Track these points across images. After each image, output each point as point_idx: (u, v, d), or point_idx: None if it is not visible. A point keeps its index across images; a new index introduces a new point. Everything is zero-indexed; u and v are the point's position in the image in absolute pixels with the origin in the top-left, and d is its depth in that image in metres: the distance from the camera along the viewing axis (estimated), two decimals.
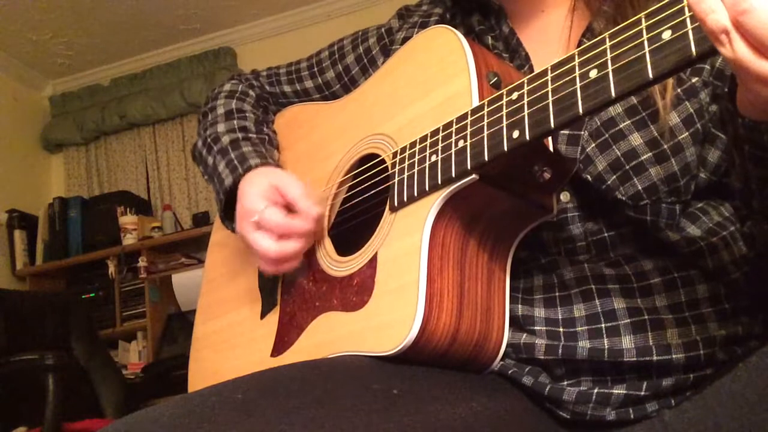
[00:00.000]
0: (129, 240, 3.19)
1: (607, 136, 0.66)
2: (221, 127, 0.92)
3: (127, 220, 3.22)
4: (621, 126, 0.66)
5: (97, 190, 3.62)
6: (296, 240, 0.77)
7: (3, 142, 3.41)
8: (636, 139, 0.65)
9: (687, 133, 0.65)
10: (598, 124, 0.67)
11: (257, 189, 0.80)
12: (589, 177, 0.67)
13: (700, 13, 0.42)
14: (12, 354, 1.98)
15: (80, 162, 3.70)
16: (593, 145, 0.67)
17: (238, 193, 0.82)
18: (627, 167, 0.65)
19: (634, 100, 0.66)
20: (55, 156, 3.77)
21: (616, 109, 0.67)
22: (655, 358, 0.63)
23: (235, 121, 0.93)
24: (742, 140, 0.55)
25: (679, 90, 0.65)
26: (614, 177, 0.65)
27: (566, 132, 0.69)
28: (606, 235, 0.68)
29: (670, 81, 0.64)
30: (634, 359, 0.64)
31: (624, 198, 0.65)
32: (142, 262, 3.11)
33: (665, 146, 0.65)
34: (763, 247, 0.68)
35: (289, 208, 0.78)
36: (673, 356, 0.63)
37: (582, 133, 0.68)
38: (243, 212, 0.80)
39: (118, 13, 3.24)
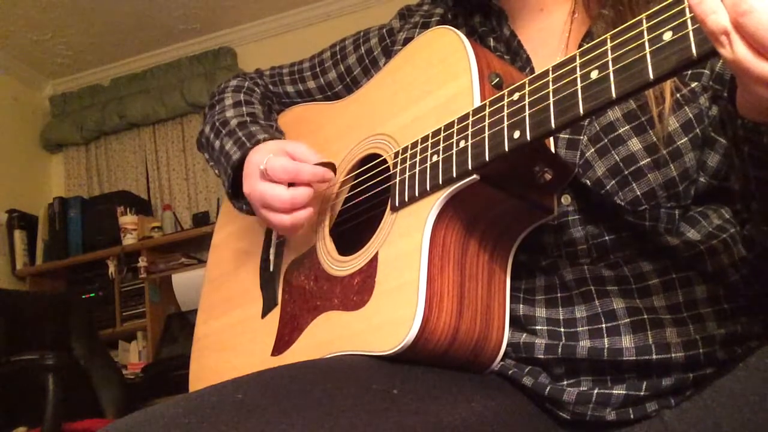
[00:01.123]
0: (129, 240, 3.19)
1: (606, 141, 0.66)
2: (229, 113, 0.92)
3: (127, 220, 3.22)
4: (620, 131, 0.66)
5: (97, 190, 3.62)
6: (306, 187, 0.75)
7: (3, 142, 3.41)
8: (635, 145, 0.65)
9: (686, 139, 0.65)
10: (597, 128, 0.67)
11: (265, 148, 0.80)
12: (588, 182, 0.67)
13: (700, 14, 0.42)
14: (12, 354, 1.98)
15: (80, 162, 3.70)
16: (592, 149, 0.67)
17: (245, 162, 0.81)
18: (625, 172, 0.65)
19: (633, 104, 0.66)
20: (55, 156, 3.77)
21: (615, 114, 0.67)
22: (654, 356, 0.63)
23: (243, 108, 0.93)
24: (741, 142, 0.55)
25: (678, 95, 0.65)
26: (613, 182, 0.65)
27: (565, 136, 0.69)
28: (607, 238, 0.68)
29: (668, 88, 0.64)
30: (634, 358, 0.64)
31: (623, 203, 0.65)
32: (142, 262, 3.11)
33: (664, 152, 0.65)
34: (762, 248, 0.68)
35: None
36: (673, 355, 0.63)
37: (581, 137, 0.68)
38: (249, 169, 0.79)
39: (118, 13, 3.24)
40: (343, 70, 0.94)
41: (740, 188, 0.64)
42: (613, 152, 0.66)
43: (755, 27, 0.40)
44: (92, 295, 3.20)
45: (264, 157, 0.77)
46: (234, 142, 0.86)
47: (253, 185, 0.78)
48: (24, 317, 2.26)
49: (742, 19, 0.40)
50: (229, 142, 0.87)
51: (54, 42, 3.41)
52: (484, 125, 0.61)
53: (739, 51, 0.41)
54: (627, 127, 0.66)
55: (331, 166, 0.78)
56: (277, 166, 0.75)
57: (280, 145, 0.80)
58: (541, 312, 0.70)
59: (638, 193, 0.65)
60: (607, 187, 0.66)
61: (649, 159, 0.65)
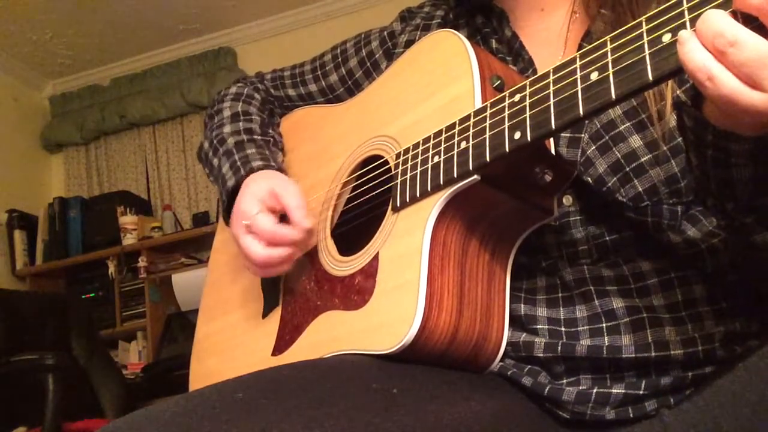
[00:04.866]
0: (129, 240, 3.18)
1: (607, 138, 0.67)
2: (227, 129, 0.93)
3: (127, 220, 3.22)
4: (621, 128, 0.66)
5: (97, 190, 3.62)
6: (284, 248, 0.77)
7: (3, 142, 3.41)
8: (636, 141, 0.65)
9: None
10: (598, 126, 0.67)
11: (255, 190, 0.81)
12: (589, 179, 0.67)
13: (682, 56, 0.43)
14: (12, 354, 1.98)
15: (80, 162, 3.70)
16: (593, 147, 0.67)
17: (238, 195, 0.83)
18: (627, 169, 0.65)
19: (634, 102, 0.66)
20: (55, 156, 3.77)
21: (615, 112, 0.67)
22: (653, 354, 0.64)
23: (240, 123, 0.93)
24: (706, 145, 0.55)
25: (678, 92, 0.65)
26: (615, 179, 0.66)
27: (567, 135, 0.69)
28: (608, 238, 0.69)
29: (668, 86, 0.64)
30: (633, 355, 0.64)
31: (625, 200, 0.65)
32: (142, 262, 3.11)
33: (665, 148, 0.65)
34: (763, 248, 0.69)
35: (283, 217, 0.79)
36: (672, 353, 0.64)
37: (582, 135, 0.68)
38: (237, 214, 0.81)
39: (118, 13, 3.24)
40: (345, 73, 0.94)
41: (696, 185, 0.64)
42: (614, 149, 0.66)
43: (745, 58, 0.40)
44: (92, 295, 3.20)
45: (253, 207, 0.78)
46: (230, 165, 0.87)
47: (236, 232, 0.80)
48: (24, 317, 2.26)
49: (731, 49, 0.41)
50: (225, 164, 0.88)
51: (54, 42, 3.41)
52: (485, 126, 0.62)
53: (728, 84, 0.42)
54: (628, 124, 0.66)
55: (311, 232, 0.79)
56: (260, 226, 0.77)
57: (272, 185, 0.80)
58: (542, 312, 0.70)
59: (640, 189, 0.65)
60: (609, 184, 0.66)
61: (650, 155, 0.65)
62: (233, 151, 0.88)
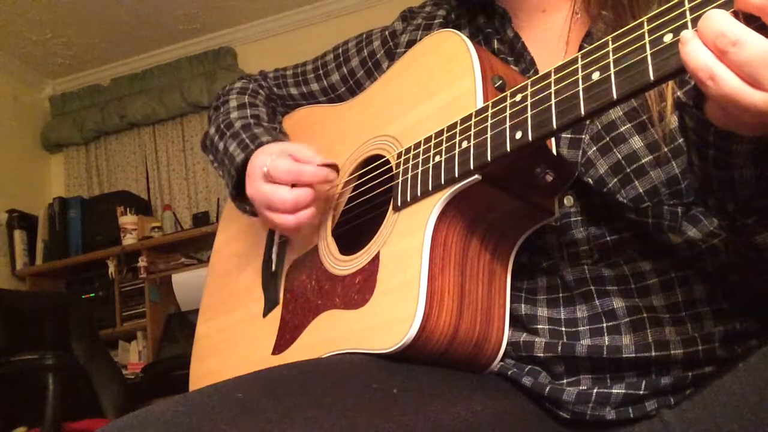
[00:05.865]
0: (129, 240, 3.19)
1: (607, 139, 0.67)
2: (234, 115, 0.93)
3: (127, 220, 3.22)
4: (621, 129, 0.66)
5: (97, 190, 3.62)
6: (309, 189, 0.76)
7: (3, 142, 3.41)
8: (636, 143, 0.65)
9: None
10: (599, 127, 0.67)
11: (267, 149, 0.81)
12: (590, 180, 0.67)
13: (683, 56, 0.43)
14: (12, 354, 1.98)
15: (80, 162, 3.70)
16: (594, 148, 0.67)
17: (248, 164, 0.82)
18: (628, 170, 0.65)
19: (634, 103, 0.66)
20: (55, 156, 3.77)
21: (616, 113, 0.67)
22: (653, 353, 0.64)
23: (247, 110, 0.94)
24: (707, 146, 0.55)
25: (679, 92, 0.65)
26: (615, 180, 0.66)
27: (568, 135, 0.69)
28: (608, 239, 0.69)
29: (669, 88, 0.64)
30: (633, 355, 0.64)
31: (625, 201, 0.65)
32: (142, 262, 3.11)
33: (666, 149, 0.65)
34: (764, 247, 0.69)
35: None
36: (672, 352, 0.64)
37: (583, 136, 0.68)
38: (252, 170, 0.80)
39: (118, 13, 3.24)
40: (346, 73, 0.94)
41: (697, 185, 0.64)
42: (615, 150, 0.66)
43: (747, 57, 0.40)
44: (92, 295, 3.20)
45: (267, 158, 0.78)
46: (238, 144, 0.87)
47: (256, 187, 0.79)
48: (24, 317, 2.26)
49: (733, 49, 0.41)
50: (233, 144, 0.87)
51: (54, 42, 3.41)
52: (487, 126, 0.62)
53: (729, 83, 0.42)
54: (629, 125, 0.66)
55: (333, 167, 0.78)
56: (280, 167, 0.76)
57: (283, 147, 0.81)
58: (543, 312, 0.70)
59: (641, 190, 0.65)
60: (609, 185, 0.66)
61: (651, 156, 0.65)
62: (240, 132, 0.89)
